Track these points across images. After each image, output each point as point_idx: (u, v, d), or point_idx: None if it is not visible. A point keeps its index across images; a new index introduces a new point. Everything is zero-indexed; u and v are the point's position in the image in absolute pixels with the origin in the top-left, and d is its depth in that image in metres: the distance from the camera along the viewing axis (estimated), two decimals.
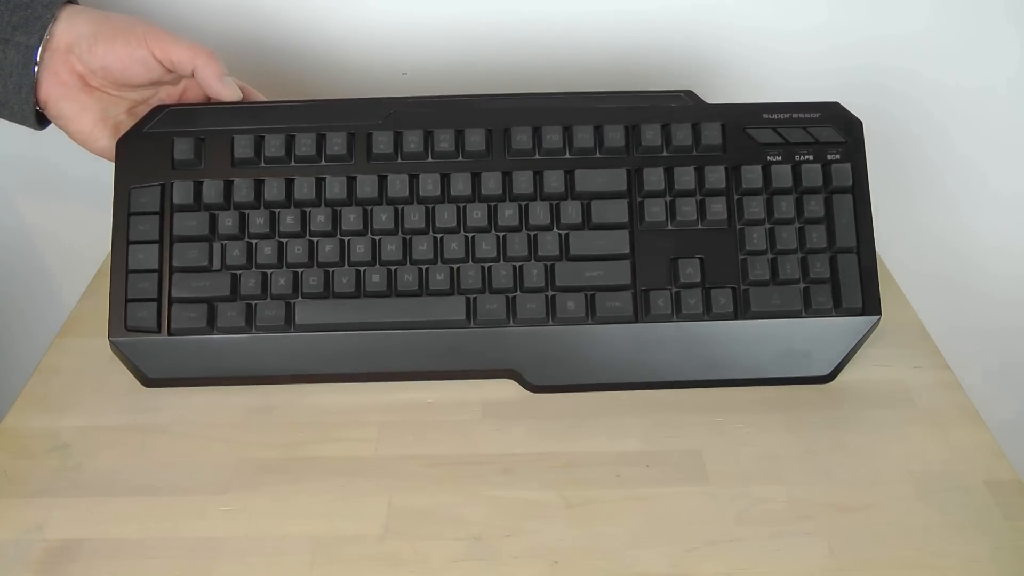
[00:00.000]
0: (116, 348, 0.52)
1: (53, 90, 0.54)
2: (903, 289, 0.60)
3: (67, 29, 0.53)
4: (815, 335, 0.52)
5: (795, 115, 0.54)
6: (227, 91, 0.55)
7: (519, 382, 0.52)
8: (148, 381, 0.52)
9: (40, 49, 0.52)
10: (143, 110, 0.56)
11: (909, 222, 0.81)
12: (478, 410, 0.51)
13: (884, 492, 0.46)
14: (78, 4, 0.55)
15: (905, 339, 0.55)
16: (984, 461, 0.47)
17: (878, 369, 0.53)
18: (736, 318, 0.52)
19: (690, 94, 0.56)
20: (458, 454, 0.48)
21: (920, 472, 0.47)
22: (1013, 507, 0.45)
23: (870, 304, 0.52)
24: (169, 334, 0.52)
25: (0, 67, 0.53)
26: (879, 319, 0.52)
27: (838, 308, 0.52)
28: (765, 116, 0.54)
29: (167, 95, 0.58)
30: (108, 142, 0.55)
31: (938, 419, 0.50)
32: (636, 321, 0.52)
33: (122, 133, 0.54)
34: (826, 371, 0.52)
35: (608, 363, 0.52)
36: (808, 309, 0.52)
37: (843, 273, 0.52)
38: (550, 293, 0.52)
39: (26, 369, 0.54)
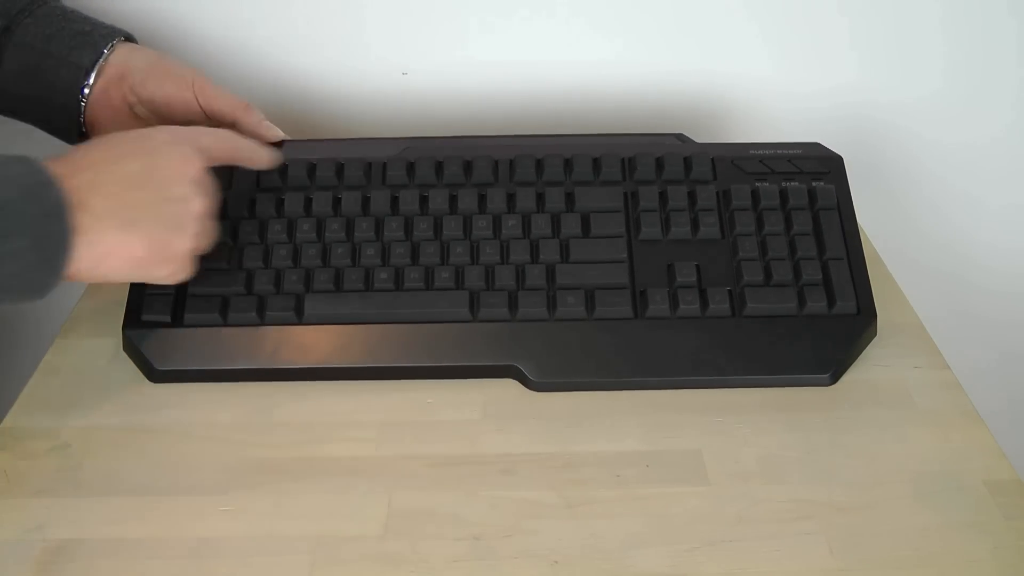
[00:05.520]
0: (128, 341, 0.52)
1: (102, 112, 0.57)
2: (904, 290, 0.60)
3: (122, 61, 0.57)
4: (812, 337, 0.52)
5: (779, 151, 0.58)
6: (270, 133, 0.59)
7: (520, 379, 0.52)
8: (155, 375, 0.52)
9: (94, 74, 0.57)
10: None
11: (909, 225, 0.81)
12: (478, 410, 0.51)
13: (884, 492, 0.46)
14: (137, 43, 0.60)
15: (905, 339, 0.55)
16: (984, 461, 0.47)
17: (878, 369, 0.53)
18: (733, 316, 0.52)
19: (681, 136, 0.61)
20: (458, 454, 0.48)
21: (920, 472, 0.47)
22: (1013, 507, 0.45)
23: (864, 307, 0.53)
24: (182, 325, 0.52)
25: (52, 82, 0.57)
26: (875, 322, 0.53)
27: (832, 307, 0.53)
28: (751, 152, 0.58)
29: None
30: None
31: (938, 419, 0.50)
32: (635, 318, 0.52)
33: None
34: (826, 374, 0.52)
35: (608, 360, 0.52)
36: (803, 308, 0.52)
37: (835, 277, 0.54)
38: (551, 292, 0.53)
39: (26, 369, 0.54)
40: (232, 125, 0.59)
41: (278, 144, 0.60)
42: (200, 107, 0.58)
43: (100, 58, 0.57)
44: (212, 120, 0.59)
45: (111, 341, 0.54)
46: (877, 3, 0.70)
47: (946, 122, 0.76)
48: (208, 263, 0.54)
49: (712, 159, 0.58)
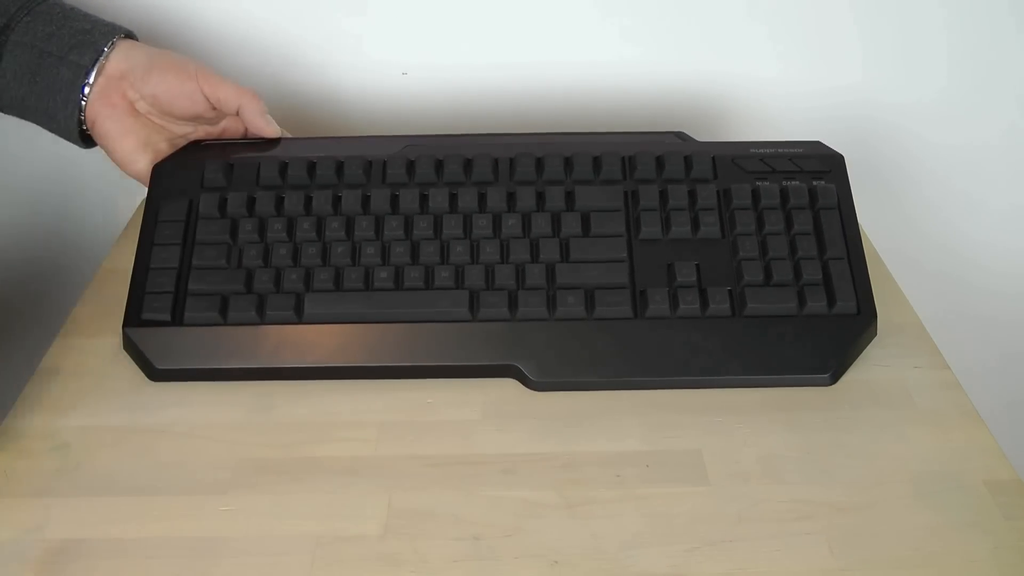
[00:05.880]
0: (128, 339, 0.53)
1: (102, 110, 0.57)
2: (904, 290, 0.59)
3: (123, 59, 0.57)
4: (812, 337, 0.52)
5: (780, 150, 0.58)
6: (269, 127, 0.59)
7: (519, 379, 0.52)
8: (155, 374, 0.52)
9: (94, 72, 0.57)
10: (182, 143, 0.61)
11: (909, 225, 0.81)
12: (478, 410, 0.51)
13: (884, 492, 0.46)
14: (137, 40, 0.60)
15: (905, 339, 0.55)
16: (984, 461, 0.47)
17: (878, 369, 0.53)
18: (733, 316, 0.52)
19: (681, 134, 0.61)
20: (458, 454, 0.48)
21: (920, 472, 0.47)
22: (1013, 507, 0.45)
23: (865, 306, 0.53)
24: (182, 324, 0.52)
25: (52, 82, 0.57)
26: (875, 322, 0.53)
27: (832, 307, 0.53)
28: (752, 151, 0.58)
29: (205, 134, 0.62)
30: (145, 166, 0.59)
31: (938, 419, 0.50)
32: (635, 318, 0.52)
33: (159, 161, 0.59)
34: (826, 374, 0.52)
35: (608, 360, 0.52)
36: (803, 308, 0.52)
37: (835, 276, 0.53)
38: (551, 292, 0.53)
39: (26, 369, 0.54)
40: (236, 113, 0.59)
41: (275, 141, 0.60)
42: (205, 96, 0.58)
43: (100, 56, 0.57)
44: (217, 109, 0.59)
45: (111, 341, 0.54)
46: (880, 4, 0.70)
47: (948, 123, 0.76)
48: (208, 262, 0.54)
49: (713, 158, 0.58)
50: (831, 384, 0.52)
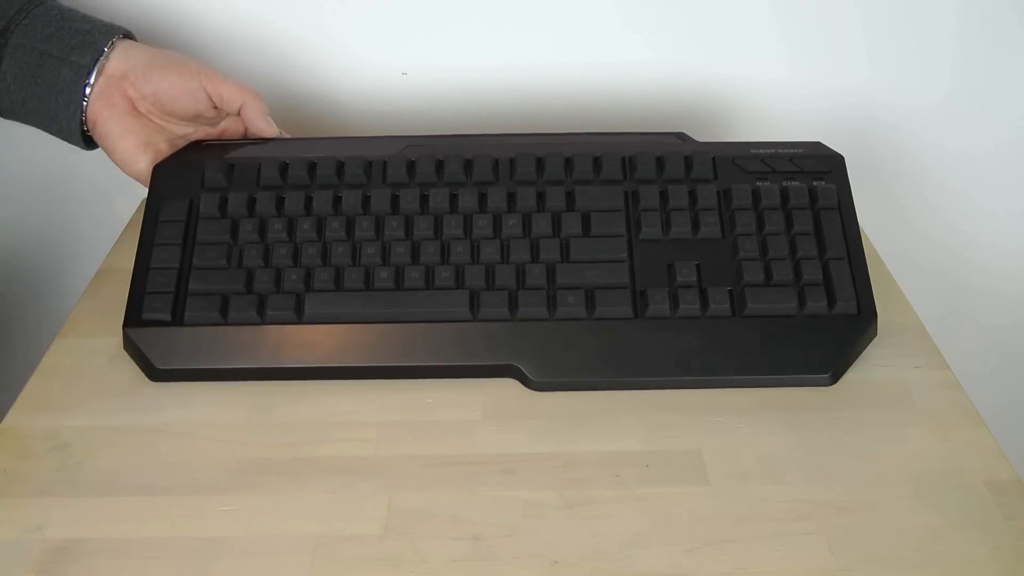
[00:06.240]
0: (128, 339, 0.53)
1: (103, 111, 0.57)
2: (904, 290, 0.59)
3: (123, 58, 0.58)
4: (812, 337, 0.52)
5: (780, 151, 0.58)
6: (269, 128, 0.60)
7: (520, 379, 0.52)
8: (156, 374, 0.52)
9: (95, 72, 0.57)
10: (182, 144, 0.61)
11: (910, 226, 0.81)
12: (478, 410, 0.51)
13: (884, 492, 0.46)
14: (135, 40, 0.60)
15: (905, 339, 0.55)
16: (984, 461, 0.47)
17: (878, 369, 0.53)
18: (733, 316, 0.52)
19: (682, 135, 0.61)
20: (458, 454, 0.48)
21: (920, 472, 0.47)
22: (1013, 507, 0.45)
23: (865, 306, 0.53)
24: (182, 324, 0.52)
25: (53, 83, 0.57)
26: (875, 322, 0.53)
27: (833, 307, 0.53)
28: (752, 151, 0.58)
29: (205, 134, 0.62)
30: (146, 167, 0.59)
31: (938, 419, 0.50)
32: (635, 318, 0.52)
33: (159, 161, 0.59)
34: (826, 374, 0.52)
35: (608, 360, 0.52)
36: (803, 308, 0.53)
37: (836, 276, 0.53)
38: (551, 292, 0.53)
39: (26, 369, 0.54)
40: (238, 112, 0.59)
41: (275, 141, 0.60)
42: (207, 94, 0.58)
43: (101, 56, 0.57)
44: (220, 108, 0.59)
45: (111, 341, 0.54)
46: (884, 7, 0.70)
47: (950, 126, 0.76)
48: (208, 262, 0.54)
49: (713, 158, 0.58)
50: (831, 384, 0.52)
